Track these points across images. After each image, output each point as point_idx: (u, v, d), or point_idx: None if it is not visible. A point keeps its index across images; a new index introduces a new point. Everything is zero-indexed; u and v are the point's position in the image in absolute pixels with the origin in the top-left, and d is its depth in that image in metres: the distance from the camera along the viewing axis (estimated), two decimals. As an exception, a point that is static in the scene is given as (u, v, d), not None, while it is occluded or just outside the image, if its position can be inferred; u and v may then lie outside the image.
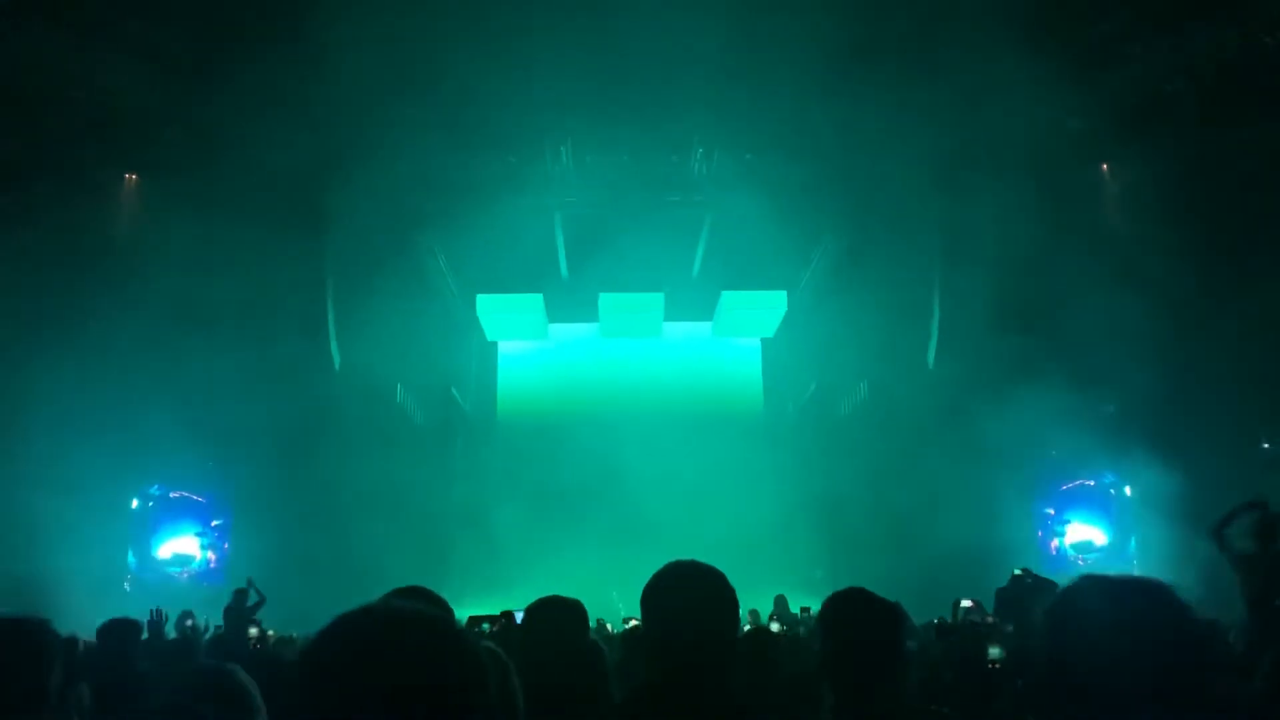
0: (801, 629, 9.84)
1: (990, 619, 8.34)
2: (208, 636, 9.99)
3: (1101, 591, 1.65)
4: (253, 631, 10.15)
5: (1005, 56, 13.75)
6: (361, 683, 1.13)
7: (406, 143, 15.82)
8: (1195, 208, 15.12)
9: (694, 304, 21.39)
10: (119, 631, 5.16)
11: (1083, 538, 17.60)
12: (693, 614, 2.21)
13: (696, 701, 2.12)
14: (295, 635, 10.48)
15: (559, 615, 3.02)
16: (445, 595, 2.71)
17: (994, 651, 5.76)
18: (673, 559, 2.36)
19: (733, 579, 2.31)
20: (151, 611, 7.14)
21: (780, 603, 11.80)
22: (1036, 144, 15.62)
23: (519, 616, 3.29)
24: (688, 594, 2.25)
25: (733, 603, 2.28)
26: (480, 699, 1.19)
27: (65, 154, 15.22)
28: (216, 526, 17.94)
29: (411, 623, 1.22)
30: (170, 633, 8.79)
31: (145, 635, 6.12)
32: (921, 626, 8.40)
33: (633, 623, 7.27)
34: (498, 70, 13.92)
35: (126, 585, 16.58)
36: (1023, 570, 9.26)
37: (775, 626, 9.24)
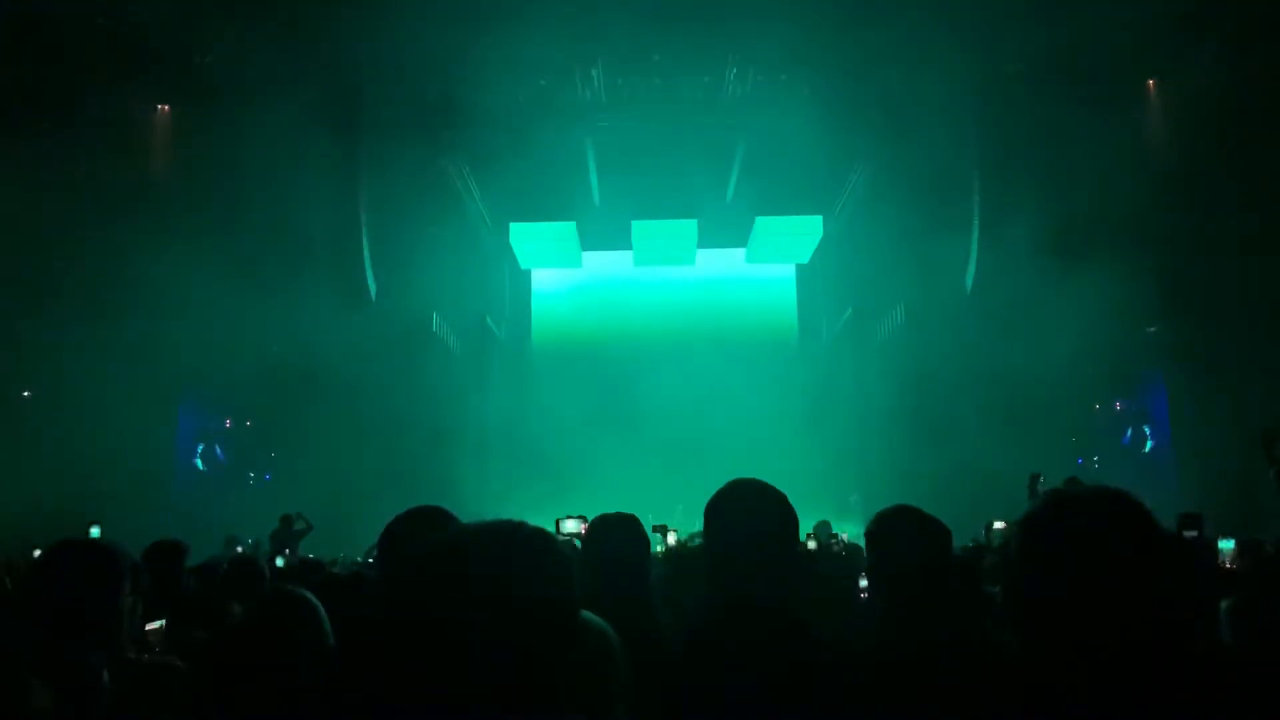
0: (836, 548, 9.91)
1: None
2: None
3: (1065, 511, 1.58)
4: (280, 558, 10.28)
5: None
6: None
7: (436, 67, 15.67)
8: (1244, 124, 14.69)
9: (728, 230, 21.16)
10: (166, 553, 5.25)
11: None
12: (754, 530, 2.22)
13: (756, 616, 2.14)
14: (322, 559, 10.60)
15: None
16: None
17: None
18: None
19: None
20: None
21: (821, 527, 11.86)
22: (1081, 59, 15.18)
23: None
24: (749, 510, 2.26)
25: (793, 520, 2.29)
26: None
27: (97, 86, 15.21)
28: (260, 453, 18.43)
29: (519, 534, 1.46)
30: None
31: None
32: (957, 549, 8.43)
33: (671, 538, 7.33)
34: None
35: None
36: (1068, 479, 9.16)
37: (813, 545, 9.32)
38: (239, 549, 11.74)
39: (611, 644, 2.05)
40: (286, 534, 12.56)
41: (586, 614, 1.97)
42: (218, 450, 18.47)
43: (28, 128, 14.08)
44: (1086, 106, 15.66)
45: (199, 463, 18.41)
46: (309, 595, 2.69)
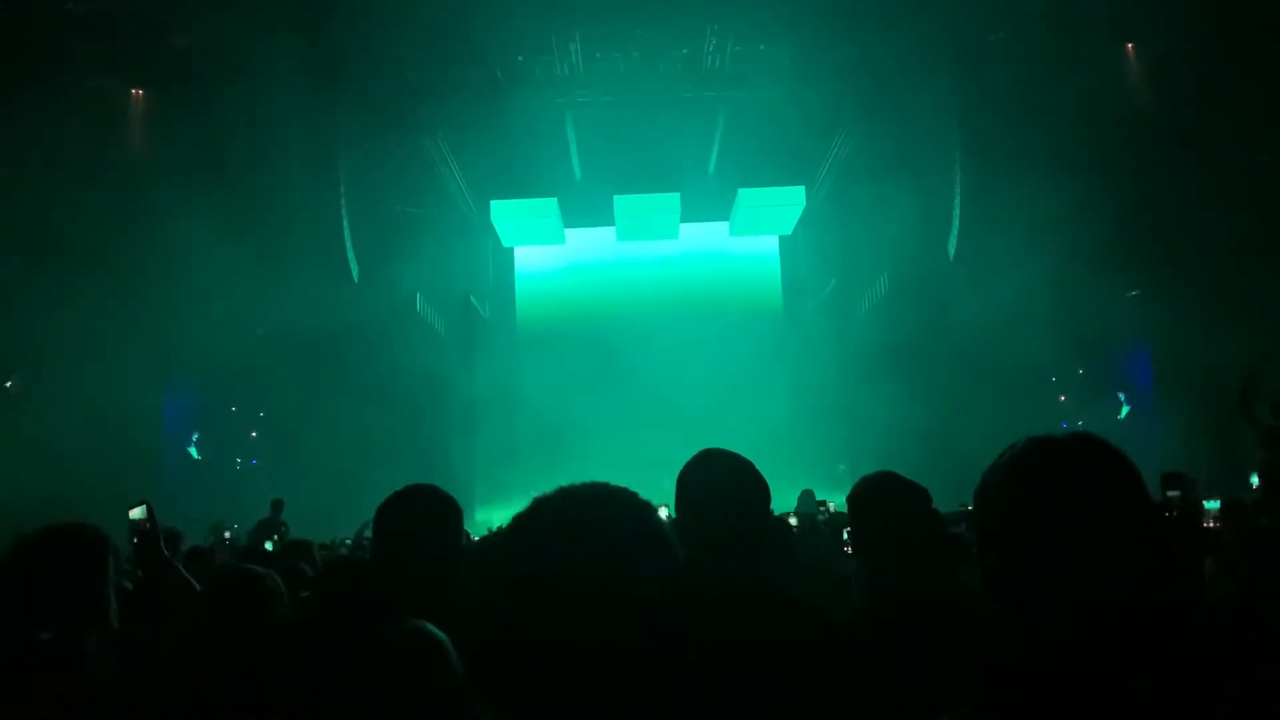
0: (821, 515, 9.95)
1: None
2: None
3: (1045, 457, 1.50)
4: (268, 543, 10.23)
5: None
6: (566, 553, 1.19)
7: (414, 45, 15.53)
8: (1220, 88, 14.73)
9: (711, 204, 21.10)
10: (164, 540, 5.26)
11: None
12: (721, 497, 2.22)
13: (726, 581, 2.14)
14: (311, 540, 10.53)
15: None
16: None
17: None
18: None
19: None
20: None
21: (805, 497, 11.87)
22: (1060, 23, 15.17)
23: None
24: (716, 478, 2.26)
25: (761, 487, 2.28)
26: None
27: (68, 71, 15.02)
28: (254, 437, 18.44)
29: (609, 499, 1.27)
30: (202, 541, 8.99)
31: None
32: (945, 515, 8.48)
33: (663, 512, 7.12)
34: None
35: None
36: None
37: (794, 521, 9.28)
38: (226, 535, 11.70)
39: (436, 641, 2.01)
40: (275, 522, 12.45)
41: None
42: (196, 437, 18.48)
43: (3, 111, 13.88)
44: (1066, 72, 15.66)
45: (193, 451, 18.35)
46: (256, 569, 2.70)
